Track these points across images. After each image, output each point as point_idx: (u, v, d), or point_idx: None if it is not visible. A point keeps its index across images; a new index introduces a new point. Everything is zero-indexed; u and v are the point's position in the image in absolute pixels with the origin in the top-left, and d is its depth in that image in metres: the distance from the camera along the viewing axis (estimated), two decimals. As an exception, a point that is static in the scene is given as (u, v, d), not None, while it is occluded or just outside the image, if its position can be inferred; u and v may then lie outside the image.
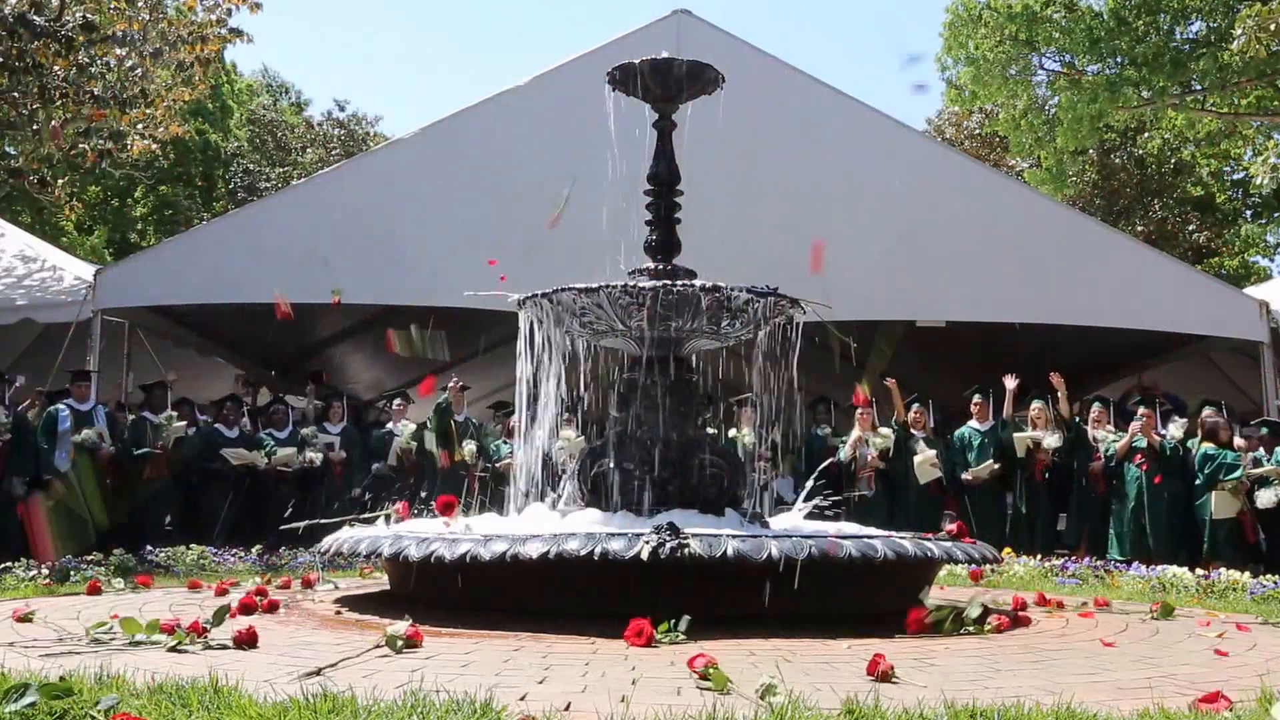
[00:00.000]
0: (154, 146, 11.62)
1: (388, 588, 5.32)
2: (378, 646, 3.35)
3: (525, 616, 3.92)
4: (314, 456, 9.52)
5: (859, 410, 9.49)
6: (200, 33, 10.40)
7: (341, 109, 30.53)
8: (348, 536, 4.90)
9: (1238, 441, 8.81)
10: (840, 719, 2.37)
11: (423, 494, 9.44)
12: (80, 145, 10.96)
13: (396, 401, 10.36)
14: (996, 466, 9.29)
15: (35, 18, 9.41)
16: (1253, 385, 10.66)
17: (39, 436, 8.59)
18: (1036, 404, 9.40)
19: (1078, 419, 9.40)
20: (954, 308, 10.27)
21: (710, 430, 6.54)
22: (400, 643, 3.34)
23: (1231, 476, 8.38)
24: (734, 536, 4.10)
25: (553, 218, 6.57)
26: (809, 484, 6.05)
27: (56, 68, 9.85)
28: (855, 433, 9.47)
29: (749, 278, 5.40)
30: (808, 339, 5.62)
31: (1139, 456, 8.81)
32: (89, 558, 6.61)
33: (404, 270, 9.95)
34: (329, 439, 9.81)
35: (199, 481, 9.35)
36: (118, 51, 10.36)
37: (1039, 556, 7.82)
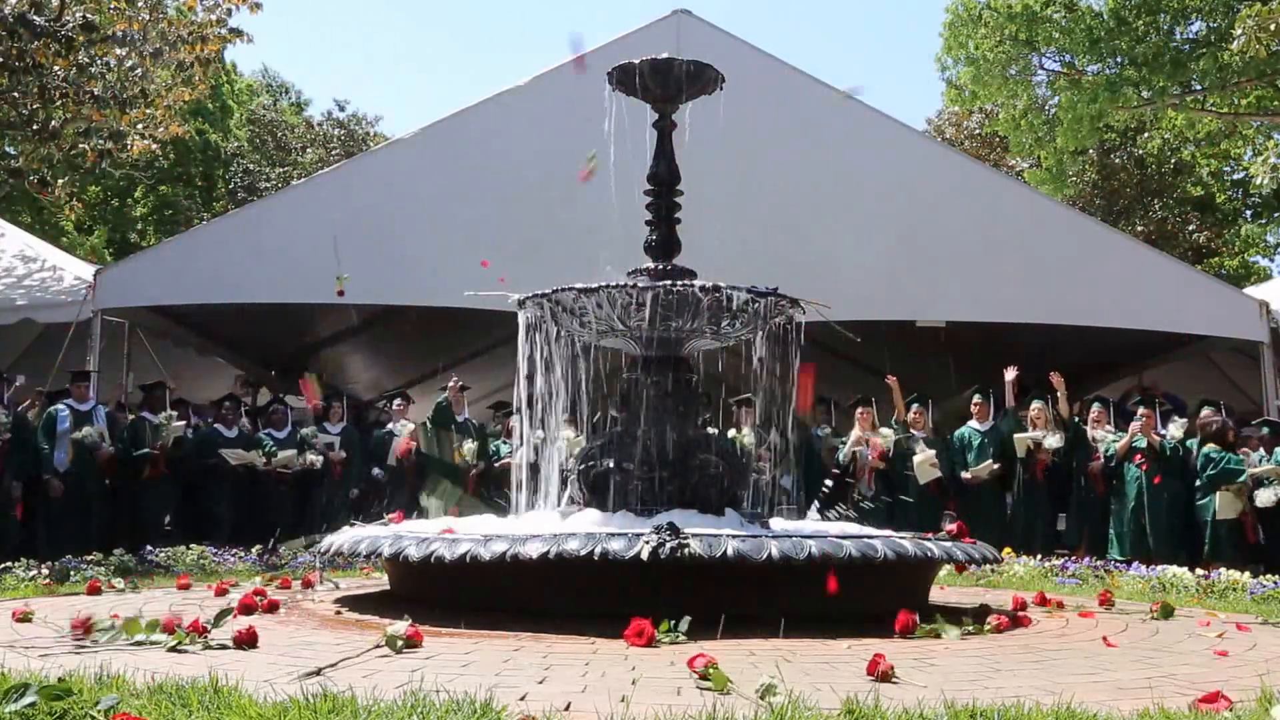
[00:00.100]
0: (154, 146, 11.61)
1: (388, 588, 5.32)
2: (378, 646, 3.35)
3: (525, 616, 3.92)
4: (314, 459, 9.51)
5: (859, 410, 9.51)
6: (200, 33, 10.39)
7: (341, 109, 30.58)
8: (348, 537, 4.91)
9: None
10: (840, 719, 2.37)
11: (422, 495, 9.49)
12: (80, 145, 10.96)
13: (396, 401, 10.35)
14: (996, 466, 9.30)
15: (35, 18, 9.41)
16: (1253, 385, 10.66)
17: (39, 436, 8.59)
18: (1036, 404, 9.40)
19: (1077, 419, 9.39)
20: (954, 308, 10.27)
21: (710, 430, 6.53)
22: (400, 643, 3.34)
23: (1238, 481, 8.38)
24: (734, 537, 4.11)
25: (586, 170, 6.55)
26: (824, 489, 6.04)
27: (56, 68, 9.85)
28: (855, 432, 9.47)
29: (749, 278, 5.40)
30: (808, 339, 5.62)
31: (1139, 456, 8.80)
32: (89, 557, 6.62)
33: (404, 270, 9.94)
34: (329, 439, 9.80)
35: (199, 481, 9.34)
36: (118, 51, 10.35)
37: (1039, 556, 7.83)
